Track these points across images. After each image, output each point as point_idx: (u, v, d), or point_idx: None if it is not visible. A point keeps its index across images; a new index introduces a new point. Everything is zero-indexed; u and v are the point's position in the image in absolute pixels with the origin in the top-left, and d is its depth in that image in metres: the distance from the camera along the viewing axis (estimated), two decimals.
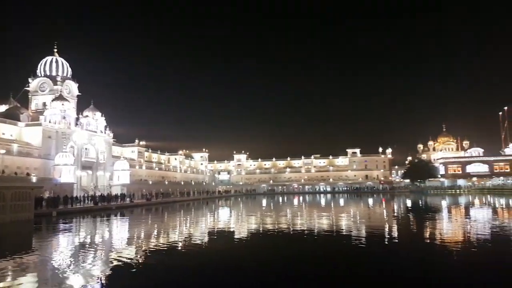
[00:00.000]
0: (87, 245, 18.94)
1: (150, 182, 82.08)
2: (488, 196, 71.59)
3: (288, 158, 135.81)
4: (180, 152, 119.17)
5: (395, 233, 22.26)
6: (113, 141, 75.72)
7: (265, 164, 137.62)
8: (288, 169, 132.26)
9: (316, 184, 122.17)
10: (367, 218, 32.48)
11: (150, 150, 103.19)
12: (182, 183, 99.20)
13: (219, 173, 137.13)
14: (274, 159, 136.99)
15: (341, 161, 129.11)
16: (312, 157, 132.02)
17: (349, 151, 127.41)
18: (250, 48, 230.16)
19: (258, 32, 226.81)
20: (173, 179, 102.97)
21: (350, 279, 11.38)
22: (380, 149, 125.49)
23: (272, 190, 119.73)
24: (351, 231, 22.61)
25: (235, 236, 21.41)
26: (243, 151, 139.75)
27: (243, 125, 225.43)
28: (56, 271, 12.92)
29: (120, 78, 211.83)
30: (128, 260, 14.18)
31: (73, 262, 14.33)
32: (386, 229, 23.81)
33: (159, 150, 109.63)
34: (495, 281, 10.88)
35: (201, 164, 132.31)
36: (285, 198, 79.64)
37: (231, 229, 25.38)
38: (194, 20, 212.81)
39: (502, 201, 52.78)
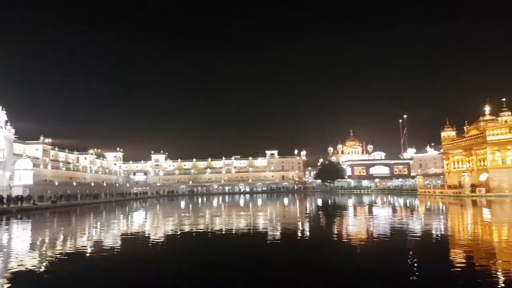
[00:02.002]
0: None
1: (56, 183, 75.53)
2: (389, 195, 79.62)
3: (209, 159, 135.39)
4: (91, 151, 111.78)
5: (306, 229, 23.64)
6: (15, 137, 68.09)
7: (185, 165, 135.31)
8: (208, 170, 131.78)
9: (236, 185, 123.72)
10: (282, 217, 33.92)
11: (57, 148, 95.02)
12: (93, 184, 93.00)
13: (134, 174, 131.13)
14: (194, 159, 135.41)
15: (260, 162, 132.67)
16: (233, 158, 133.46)
17: (268, 152, 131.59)
18: (174, 47, 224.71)
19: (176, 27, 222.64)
20: (83, 180, 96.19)
21: (263, 278, 11.81)
22: (296, 151, 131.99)
23: (191, 191, 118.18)
24: (267, 229, 23.48)
25: (149, 240, 20.75)
26: (161, 151, 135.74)
27: (162, 124, 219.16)
28: None
29: (25, 69, 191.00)
30: (30, 268, 12.94)
31: None
32: (299, 226, 25.19)
33: (67, 148, 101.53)
34: (395, 270, 12.23)
35: (115, 164, 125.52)
36: (205, 199, 79.25)
37: (145, 233, 24.51)
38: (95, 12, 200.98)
39: (401, 200, 59.16)
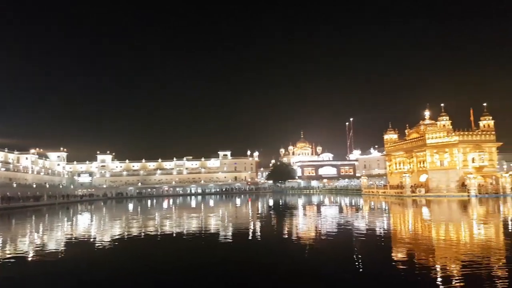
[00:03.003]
0: None
1: None
2: (336, 195, 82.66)
3: (159, 160, 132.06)
4: (33, 150, 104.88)
5: (258, 229, 23.88)
6: None
7: (133, 166, 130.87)
8: (158, 171, 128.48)
9: (187, 186, 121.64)
10: (234, 217, 33.98)
11: None
12: (35, 185, 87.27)
13: (79, 175, 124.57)
14: (143, 160, 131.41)
15: (213, 163, 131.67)
16: (185, 159, 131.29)
17: (221, 153, 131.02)
18: (125, 41, 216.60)
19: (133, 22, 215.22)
20: (24, 181, 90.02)
21: (213, 280, 11.79)
22: (249, 152, 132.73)
23: (140, 193, 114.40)
24: (219, 230, 23.42)
25: (94, 244, 19.87)
26: (108, 152, 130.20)
27: (109, 123, 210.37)
28: None
29: None
30: None
31: None
32: (250, 226, 25.39)
33: (6, 148, 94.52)
34: (340, 268, 12.72)
35: (58, 164, 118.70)
36: (154, 201, 77.17)
37: (89, 236, 23.41)
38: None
39: (346, 200, 61.64)
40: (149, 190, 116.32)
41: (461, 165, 61.57)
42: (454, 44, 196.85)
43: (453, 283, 10.09)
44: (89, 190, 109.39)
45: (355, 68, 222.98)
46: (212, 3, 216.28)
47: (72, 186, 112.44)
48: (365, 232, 21.50)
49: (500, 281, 10.26)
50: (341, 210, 39.19)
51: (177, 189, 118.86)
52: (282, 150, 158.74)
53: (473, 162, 61.30)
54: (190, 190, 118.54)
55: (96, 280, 11.75)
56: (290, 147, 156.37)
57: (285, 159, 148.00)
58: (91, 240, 21.16)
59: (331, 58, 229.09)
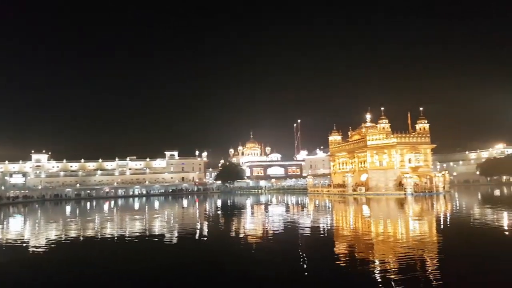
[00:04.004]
0: None
1: None
2: (283, 195, 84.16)
3: (100, 160, 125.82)
4: None
5: (205, 230, 23.49)
6: None
7: (71, 166, 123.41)
8: (99, 172, 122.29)
9: (130, 188, 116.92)
10: (180, 218, 33.18)
11: None
12: None
13: (11, 176, 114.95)
14: (83, 160, 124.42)
15: (159, 163, 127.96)
16: (128, 159, 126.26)
17: (167, 153, 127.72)
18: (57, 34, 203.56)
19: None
20: None
21: (156, 281, 11.33)
22: (197, 152, 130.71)
23: (78, 194, 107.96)
24: (164, 232, 22.68)
25: (27, 248, 18.31)
26: (44, 151, 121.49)
27: (46, 120, 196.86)
28: None
29: None
30: None
31: None
32: (197, 227, 24.92)
33: None
34: (285, 265, 12.80)
35: None
36: (94, 203, 73.24)
37: (22, 240, 21.57)
38: None
39: (293, 199, 62.94)
40: (88, 191, 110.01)
41: (398, 165, 65.44)
42: (396, 51, 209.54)
43: (391, 275, 10.53)
44: (22, 191, 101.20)
45: (303, 70, 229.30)
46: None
47: (3, 187, 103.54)
48: (309, 229, 22.00)
49: (433, 271, 10.90)
50: (287, 209, 39.86)
51: (119, 190, 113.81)
52: (232, 150, 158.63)
53: (409, 162, 65.41)
54: (133, 192, 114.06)
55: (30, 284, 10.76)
56: (240, 148, 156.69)
57: (234, 159, 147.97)
58: (24, 244, 19.45)
59: (280, 60, 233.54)
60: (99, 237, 21.73)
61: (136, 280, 11.42)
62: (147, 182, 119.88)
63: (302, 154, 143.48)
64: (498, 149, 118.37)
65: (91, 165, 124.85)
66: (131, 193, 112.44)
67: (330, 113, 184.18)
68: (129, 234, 22.49)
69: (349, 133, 79.94)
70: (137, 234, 22.07)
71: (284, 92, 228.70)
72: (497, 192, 60.27)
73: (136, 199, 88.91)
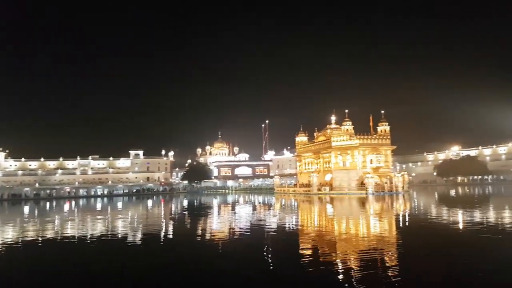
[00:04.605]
0: None
1: None
2: (250, 194, 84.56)
3: (61, 159, 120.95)
4: None
5: (169, 231, 23.30)
6: None
7: (30, 165, 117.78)
8: (60, 171, 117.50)
9: (92, 187, 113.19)
10: (144, 219, 32.65)
11: None
12: None
13: None
14: (42, 159, 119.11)
15: (123, 163, 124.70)
16: (90, 158, 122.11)
17: (132, 152, 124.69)
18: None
19: None
20: None
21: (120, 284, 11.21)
22: (163, 152, 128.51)
23: (38, 194, 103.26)
24: (127, 233, 22.29)
25: None
26: (0, 149, 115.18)
27: (2, 117, 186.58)
28: None
29: None
30: None
31: None
32: (162, 228, 24.66)
33: None
34: (252, 265, 13.00)
35: None
36: (54, 203, 70.38)
37: None
38: None
39: (260, 198, 63.42)
40: (48, 191, 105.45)
41: (360, 166, 67.63)
42: (359, 55, 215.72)
43: (352, 271, 11.01)
44: None
45: (271, 71, 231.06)
46: None
47: None
48: (275, 228, 22.38)
49: (392, 266, 11.50)
50: (254, 209, 40.18)
51: (81, 190, 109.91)
52: (199, 150, 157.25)
53: (371, 163, 67.76)
54: (96, 192, 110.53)
55: None
56: (207, 147, 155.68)
57: (201, 159, 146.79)
58: None
59: (248, 60, 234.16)
60: (58, 238, 21.02)
61: (92, 282, 11.24)
62: (110, 182, 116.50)
63: (270, 154, 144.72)
64: (454, 151, 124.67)
65: (51, 164, 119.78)
66: (93, 193, 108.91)
67: (298, 114, 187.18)
68: (90, 235, 21.90)
69: (315, 134, 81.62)
70: (98, 235, 21.56)
71: (252, 92, 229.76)
72: (452, 192, 63.58)
73: (98, 199, 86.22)
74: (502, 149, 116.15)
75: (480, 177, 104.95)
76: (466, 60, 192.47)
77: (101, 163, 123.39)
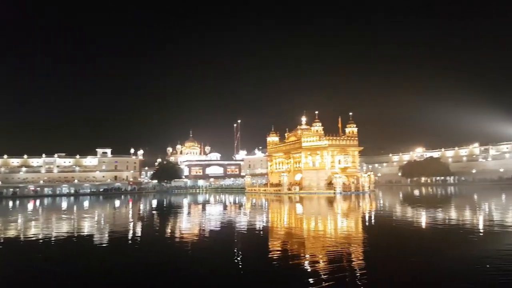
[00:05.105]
0: None
1: None
2: (221, 194, 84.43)
3: (25, 156, 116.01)
4: None
5: (137, 231, 23.03)
6: None
7: None
8: (23, 169, 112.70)
9: (58, 186, 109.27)
10: (111, 219, 32.05)
11: None
12: None
13: None
14: (5, 156, 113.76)
15: (90, 161, 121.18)
16: (56, 155, 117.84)
17: (99, 150, 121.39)
18: None
19: None
20: None
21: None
22: (132, 150, 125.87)
23: (0, 193, 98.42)
24: (93, 233, 21.87)
25: None
26: None
27: None
28: None
29: None
30: None
31: None
32: (129, 228, 24.35)
33: None
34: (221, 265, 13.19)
35: None
36: (18, 202, 67.53)
37: None
38: None
39: (231, 198, 63.51)
40: (11, 189, 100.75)
41: (329, 166, 69.17)
42: (329, 57, 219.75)
43: (320, 269, 11.41)
44: None
45: (242, 70, 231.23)
46: None
47: None
48: (245, 227, 22.64)
49: (358, 262, 12.02)
50: (224, 208, 40.28)
51: (46, 189, 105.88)
52: (170, 149, 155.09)
53: (339, 163, 69.43)
54: (61, 191, 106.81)
55: None
56: (178, 146, 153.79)
57: (172, 158, 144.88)
58: None
59: (220, 60, 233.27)
60: (21, 238, 20.35)
61: (58, 284, 11.08)
62: (76, 181, 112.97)
63: (242, 154, 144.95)
64: (418, 153, 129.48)
65: (14, 162, 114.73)
66: (58, 192, 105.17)
67: (270, 114, 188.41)
68: (55, 235, 21.32)
69: (286, 134, 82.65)
70: (63, 236, 21.04)
71: (225, 92, 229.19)
72: (416, 192, 66.18)
73: (64, 198, 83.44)
74: (463, 151, 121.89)
75: (442, 178, 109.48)
76: (435, 64, 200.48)
77: (68, 161, 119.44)
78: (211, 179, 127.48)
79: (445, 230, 19.50)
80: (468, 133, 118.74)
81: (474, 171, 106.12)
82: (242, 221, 26.17)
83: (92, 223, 27.97)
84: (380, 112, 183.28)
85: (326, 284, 9.74)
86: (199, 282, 10.69)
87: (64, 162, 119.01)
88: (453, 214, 27.68)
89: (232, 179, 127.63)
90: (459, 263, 12.03)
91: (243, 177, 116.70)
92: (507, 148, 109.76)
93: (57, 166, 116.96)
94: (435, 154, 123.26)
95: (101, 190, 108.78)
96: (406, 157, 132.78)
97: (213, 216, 31.18)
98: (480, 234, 17.99)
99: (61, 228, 24.96)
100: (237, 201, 53.06)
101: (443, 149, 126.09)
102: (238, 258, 13.62)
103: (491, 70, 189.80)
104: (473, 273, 10.67)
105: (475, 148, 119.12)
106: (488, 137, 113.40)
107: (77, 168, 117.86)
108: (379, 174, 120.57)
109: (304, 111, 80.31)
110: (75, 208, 49.08)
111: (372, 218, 27.29)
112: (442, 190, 71.29)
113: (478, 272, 10.70)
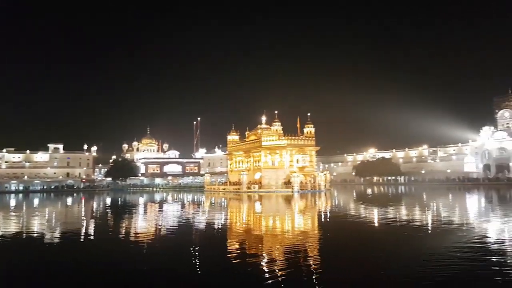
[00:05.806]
0: None
1: None
2: (179, 192, 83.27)
3: None
4: None
5: (90, 230, 22.36)
6: None
7: None
8: None
9: (6, 183, 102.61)
10: (62, 217, 30.80)
11: None
12: None
13: None
14: None
15: (41, 157, 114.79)
16: (4, 150, 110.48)
17: (51, 146, 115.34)
18: None
19: None
20: None
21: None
22: (86, 146, 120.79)
23: None
24: (44, 232, 20.97)
25: None
26: None
27: None
28: None
29: None
30: None
31: None
32: (80, 227, 23.58)
33: None
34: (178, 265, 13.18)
35: None
36: None
37: None
38: None
39: (189, 196, 62.90)
40: None
41: (288, 165, 70.47)
42: (291, 58, 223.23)
43: (277, 267, 11.76)
44: None
45: (203, 69, 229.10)
46: None
47: None
48: (203, 226, 22.68)
49: (315, 258, 12.51)
50: (182, 207, 39.92)
51: None
52: (125, 146, 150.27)
53: (297, 162, 70.93)
54: (10, 187, 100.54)
55: None
56: (135, 143, 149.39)
57: (128, 155, 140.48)
58: None
59: (182, 57, 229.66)
60: None
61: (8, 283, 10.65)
62: (26, 177, 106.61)
63: (201, 152, 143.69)
64: (371, 153, 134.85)
65: None
66: (6, 189, 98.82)
67: (230, 113, 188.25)
68: (1, 234, 20.20)
69: (246, 133, 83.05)
70: (11, 234, 20.00)
71: (184, 89, 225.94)
72: (369, 191, 69.06)
73: (13, 195, 78.71)
74: (413, 152, 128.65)
75: (393, 177, 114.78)
76: (386, 67, 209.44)
77: (17, 157, 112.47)
78: (169, 177, 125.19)
79: (396, 227, 20.61)
80: (418, 136, 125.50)
81: (423, 171, 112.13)
82: (200, 220, 26.14)
83: (42, 222, 26.73)
84: (336, 114, 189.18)
85: (282, 279, 10.06)
86: (152, 281, 10.67)
87: (13, 157, 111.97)
88: (403, 212, 29.23)
89: (191, 177, 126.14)
90: (408, 259, 12.68)
91: (202, 175, 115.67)
92: (454, 150, 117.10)
93: (6, 162, 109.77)
94: (387, 154, 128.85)
95: (52, 187, 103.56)
96: (359, 157, 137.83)
97: (170, 214, 30.85)
98: (428, 231, 19.14)
99: (8, 227, 23.67)
100: (195, 200, 52.69)
101: (394, 150, 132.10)
102: (195, 257, 13.68)
103: (440, 74, 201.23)
104: (422, 268, 11.18)
105: (424, 149, 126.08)
106: (437, 140, 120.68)
107: (27, 164, 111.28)
108: (334, 173, 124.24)
109: (264, 110, 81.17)
110: (24, 205, 46.53)
111: (328, 215, 28.29)
112: (393, 189, 74.76)
113: (428, 267, 11.27)
